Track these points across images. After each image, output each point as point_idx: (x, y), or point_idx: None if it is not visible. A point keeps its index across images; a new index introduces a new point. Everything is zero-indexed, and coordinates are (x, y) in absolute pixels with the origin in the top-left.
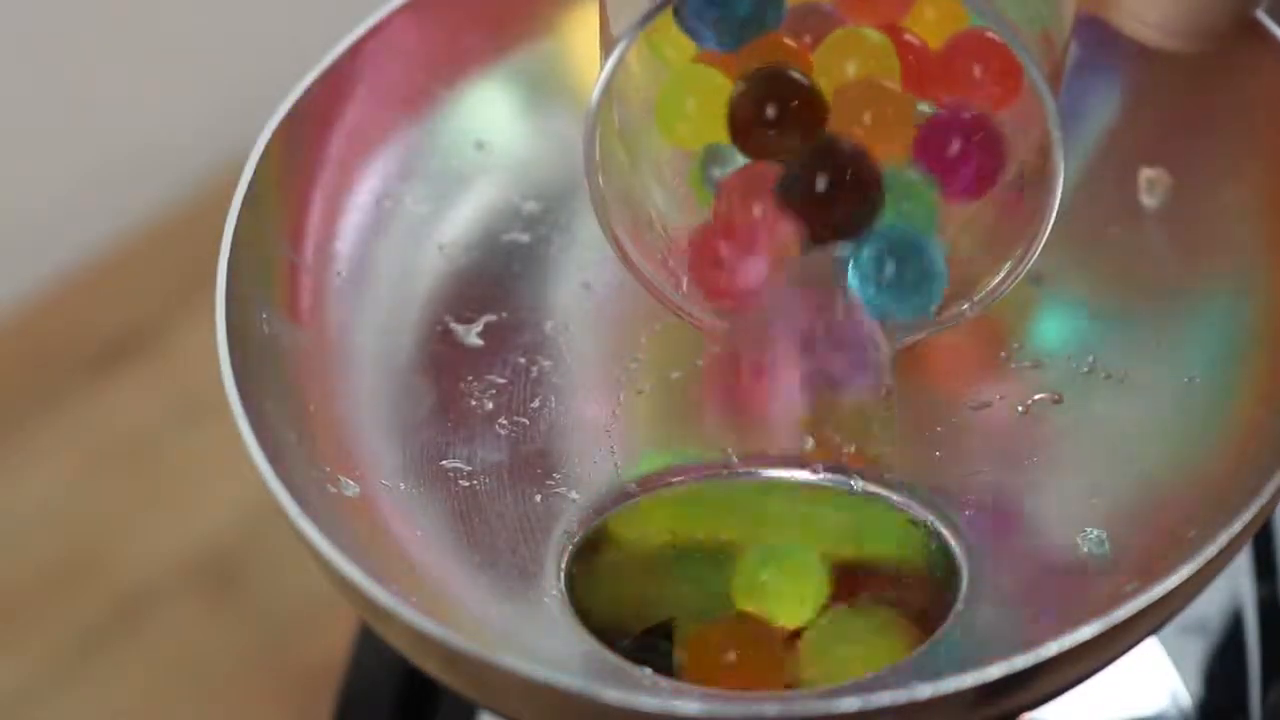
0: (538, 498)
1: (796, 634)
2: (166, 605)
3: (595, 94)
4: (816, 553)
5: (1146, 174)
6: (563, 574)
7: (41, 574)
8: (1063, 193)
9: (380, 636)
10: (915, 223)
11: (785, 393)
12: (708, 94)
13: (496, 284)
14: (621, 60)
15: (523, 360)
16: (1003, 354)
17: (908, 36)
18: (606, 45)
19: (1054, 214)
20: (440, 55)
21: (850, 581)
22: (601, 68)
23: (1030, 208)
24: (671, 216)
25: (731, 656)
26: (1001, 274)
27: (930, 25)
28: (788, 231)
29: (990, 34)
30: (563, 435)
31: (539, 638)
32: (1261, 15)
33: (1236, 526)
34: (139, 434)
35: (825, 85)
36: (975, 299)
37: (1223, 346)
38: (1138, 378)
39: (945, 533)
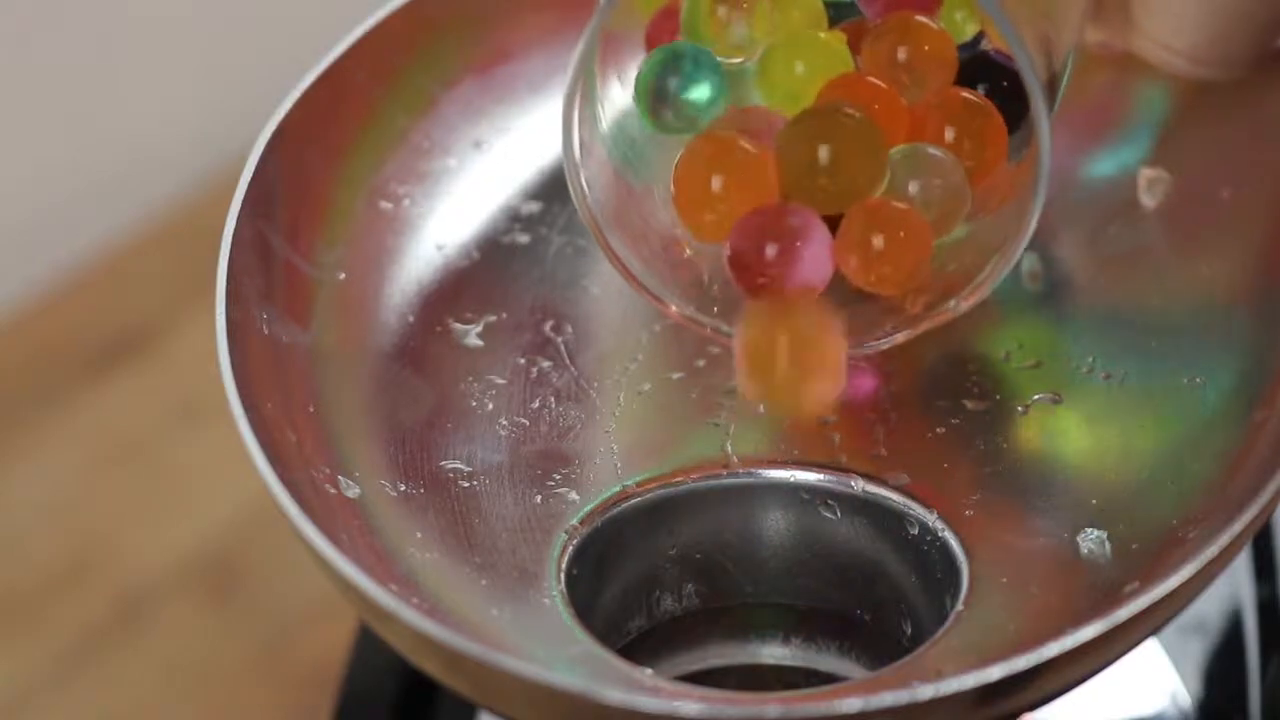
0: (538, 498)
1: None
2: (166, 605)
3: (573, 64)
4: None
5: (1146, 174)
6: (563, 574)
7: (41, 574)
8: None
9: (380, 637)
10: None
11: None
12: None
13: (496, 284)
14: (600, 29)
15: (523, 361)
16: (1003, 354)
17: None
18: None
19: (1038, 211)
20: (440, 55)
21: None
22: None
23: (1017, 201)
24: (665, 209)
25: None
26: (989, 268)
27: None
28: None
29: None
30: (562, 435)
31: (539, 638)
32: None
33: (1236, 526)
34: (139, 434)
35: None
36: (964, 292)
37: (1222, 347)
38: (1138, 378)
39: (945, 533)
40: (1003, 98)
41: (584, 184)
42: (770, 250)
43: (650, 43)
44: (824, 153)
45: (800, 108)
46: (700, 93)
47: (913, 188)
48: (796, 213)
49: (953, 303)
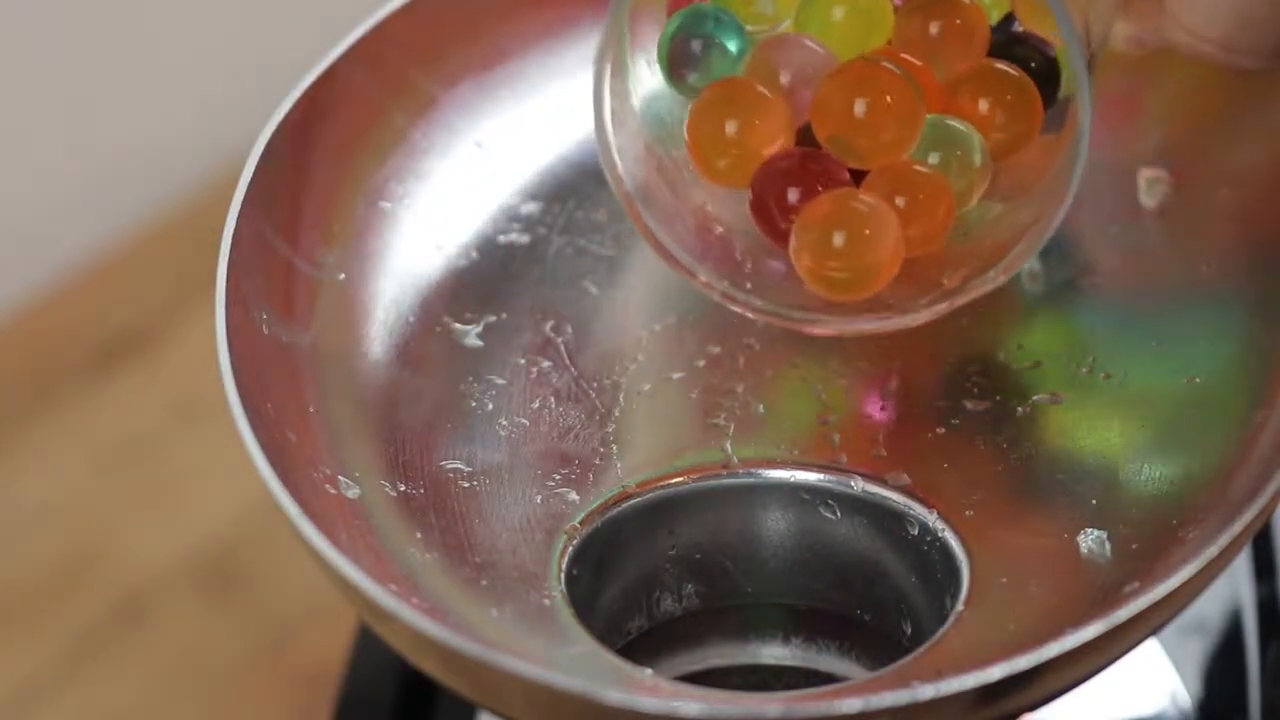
0: (538, 498)
1: None
2: (166, 605)
3: (604, 33)
4: None
5: (1146, 174)
6: (563, 574)
7: (41, 574)
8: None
9: (380, 637)
10: None
11: None
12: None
13: (496, 285)
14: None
15: (523, 361)
16: (1002, 354)
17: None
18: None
19: (1077, 182)
20: (440, 55)
21: None
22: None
23: (1052, 176)
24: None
25: None
26: (1026, 241)
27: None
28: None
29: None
30: (562, 435)
31: (539, 638)
32: None
33: (1236, 527)
34: (139, 434)
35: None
36: (1002, 264)
37: (1222, 347)
38: (1138, 378)
39: (945, 533)
40: (1033, 79)
41: (615, 155)
42: (793, 194)
43: (672, 14)
44: (860, 106)
45: (840, 49)
46: (722, 53)
47: (933, 158)
48: (819, 157)
49: (991, 273)
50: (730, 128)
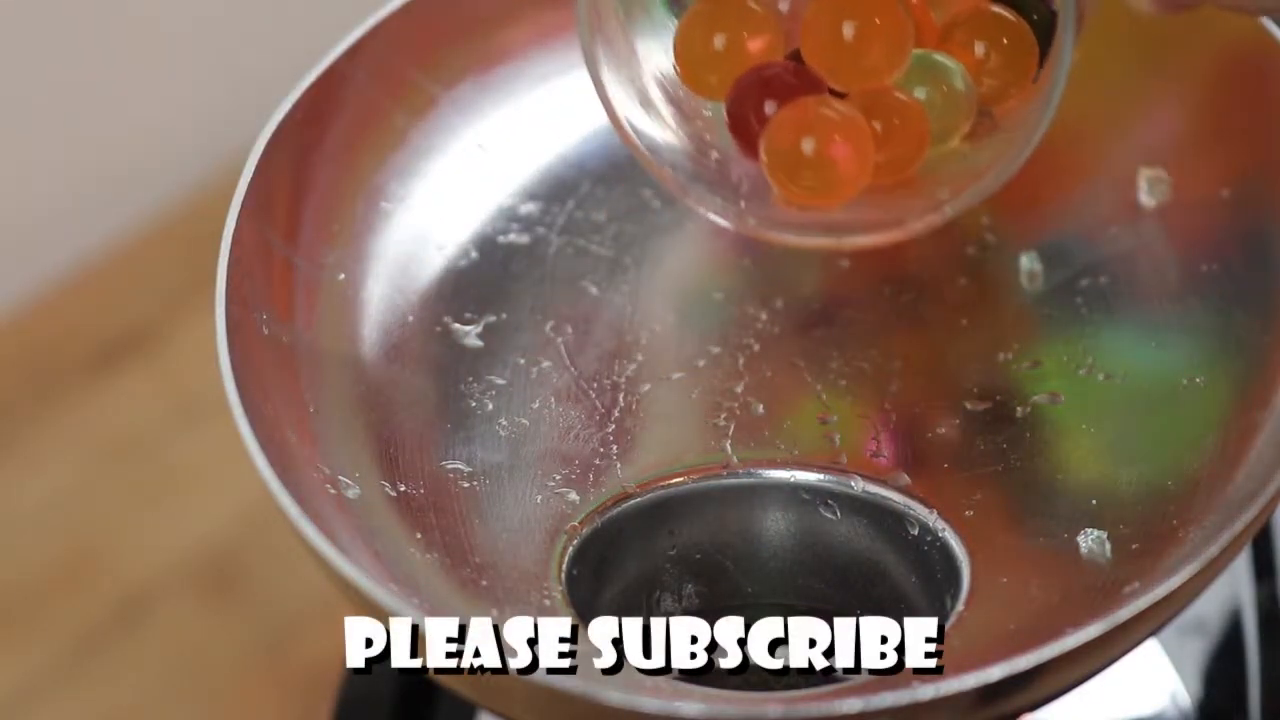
0: (538, 498)
1: None
2: (166, 605)
3: None
4: None
5: (1146, 174)
6: (563, 574)
7: (41, 574)
8: (1062, 193)
9: None
10: None
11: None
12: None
13: (496, 285)
14: None
15: (522, 361)
16: (1002, 354)
17: None
18: None
19: (1061, 86)
20: (440, 56)
21: None
22: None
23: (1039, 98)
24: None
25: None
26: (1009, 157)
27: None
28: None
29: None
30: (563, 435)
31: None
32: (1266, 21)
33: (1237, 527)
34: (139, 434)
35: None
36: (990, 176)
37: (1222, 347)
38: (1138, 378)
39: (945, 533)
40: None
41: (604, 80)
42: (769, 106)
43: None
44: (849, 28)
45: None
46: None
47: (919, 93)
48: (797, 71)
49: (982, 184)
50: (718, 41)
